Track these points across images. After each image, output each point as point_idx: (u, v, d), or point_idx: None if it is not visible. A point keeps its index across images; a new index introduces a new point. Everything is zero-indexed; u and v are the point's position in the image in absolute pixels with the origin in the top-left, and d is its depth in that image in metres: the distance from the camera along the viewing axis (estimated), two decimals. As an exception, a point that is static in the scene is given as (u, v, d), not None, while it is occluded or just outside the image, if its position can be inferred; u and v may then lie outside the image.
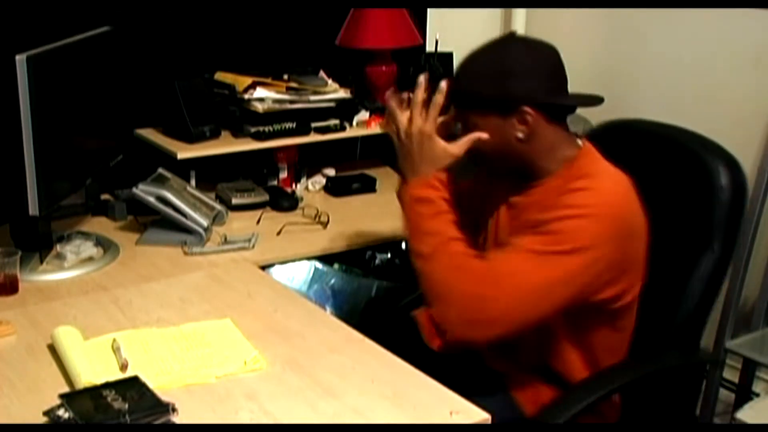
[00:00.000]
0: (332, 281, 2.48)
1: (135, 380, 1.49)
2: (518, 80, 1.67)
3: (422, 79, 1.77)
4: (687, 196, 1.90)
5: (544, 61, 1.71)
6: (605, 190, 1.66)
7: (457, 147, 1.74)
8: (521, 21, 3.22)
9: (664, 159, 1.96)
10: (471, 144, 1.73)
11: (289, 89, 2.63)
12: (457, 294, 1.61)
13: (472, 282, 1.60)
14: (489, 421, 1.51)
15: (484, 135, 1.71)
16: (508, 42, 1.79)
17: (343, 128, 2.71)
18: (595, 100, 1.77)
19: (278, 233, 2.38)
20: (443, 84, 1.75)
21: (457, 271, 1.62)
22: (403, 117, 1.77)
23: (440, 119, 1.76)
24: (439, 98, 1.74)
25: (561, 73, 1.73)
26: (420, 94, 1.76)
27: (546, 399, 1.75)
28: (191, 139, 2.52)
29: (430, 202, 1.70)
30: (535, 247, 1.60)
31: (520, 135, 1.69)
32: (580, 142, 1.77)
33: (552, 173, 1.73)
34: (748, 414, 2.13)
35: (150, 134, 2.61)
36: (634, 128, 2.11)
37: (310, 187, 2.79)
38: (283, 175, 2.73)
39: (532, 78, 1.68)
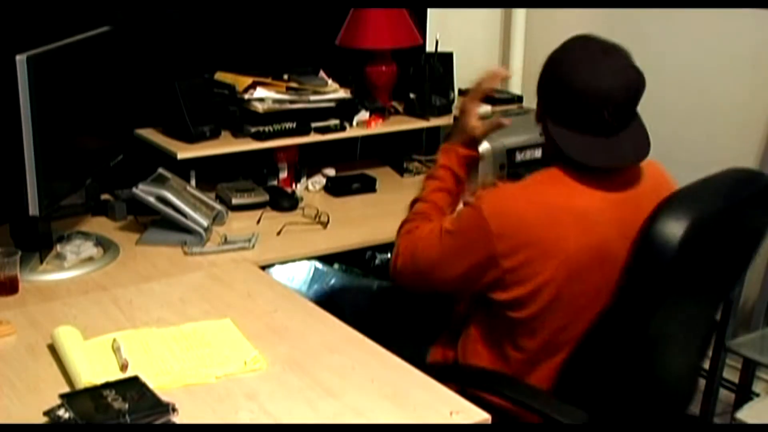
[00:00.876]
0: (332, 281, 2.48)
1: (135, 380, 1.49)
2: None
3: (493, 69, 2.03)
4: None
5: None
6: (507, 193, 1.77)
7: (480, 127, 1.94)
8: (521, 21, 3.22)
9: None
10: (492, 128, 1.94)
11: (289, 89, 2.62)
12: (397, 243, 1.91)
13: (403, 237, 1.90)
14: (489, 421, 1.51)
15: (506, 121, 1.93)
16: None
17: (343, 128, 2.71)
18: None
19: (278, 233, 2.38)
20: (493, 69, 2.03)
21: (408, 223, 1.93)
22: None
23: None
24: (482, 81, 1.97)
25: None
26: (485, 83, 1.98)
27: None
28: (191, 139, 2.52)
29: (439, 168, 1.98)
30: (444, 224, 1.81)
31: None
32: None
33: None
34: (748, 414, 2.14)
35: (150, 134, 2.61)
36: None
37: (310, 187, 2.79)
38: (283, 175, 2.73)
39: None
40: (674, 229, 1.57)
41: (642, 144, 1.74)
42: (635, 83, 1.70)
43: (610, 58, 1.70)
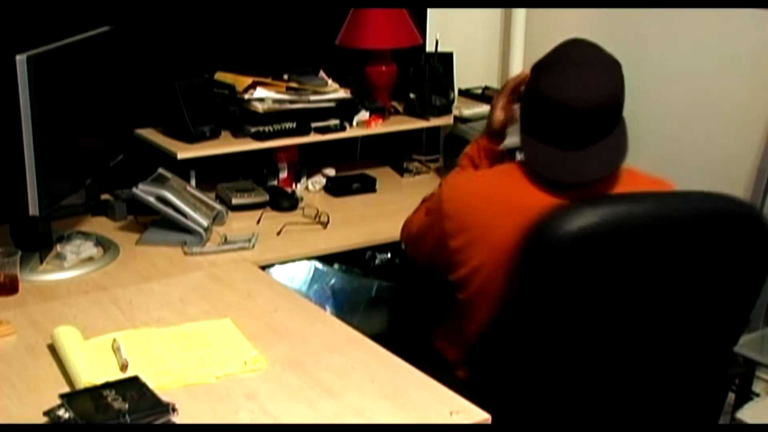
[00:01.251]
0: (332, 281, 2.47)
1: (135, 380, 1.49)
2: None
3: (522, 72, 1.95)
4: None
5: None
6: (464, 178, 1.93)
7: (499, 120, 2.01)
8: (521, 21, 3.22)
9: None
10: (506, 119, 2.00)
11: (289, 89, 2.62)
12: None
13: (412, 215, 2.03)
14: (489, 421, 1.51)
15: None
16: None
17: (343, 128, 2.71)
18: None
19: (278, 233, 2.38)
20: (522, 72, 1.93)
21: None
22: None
23: None
24: (511, 81, 2.00)
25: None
26: (513, 80, 2.00)
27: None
28: (191, 139, 2.52)
29: (464, 157, 2.06)
30: (427, 203, 1.94)
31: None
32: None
33: None
34: (748, 414, 2.13)
35: (150, 134, 2.61)
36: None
37: (310, 187, 2.79)
38: (283, 175, 2.73)
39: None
40: (565, 224, 1.55)
41: (610, 160, 1.72)
42: (603, 100, 1.68)
43: (583, 72, 1.68)
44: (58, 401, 1.41)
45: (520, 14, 3.22)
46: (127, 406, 1.40)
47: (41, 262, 2.12)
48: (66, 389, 1.53)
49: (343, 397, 1.55)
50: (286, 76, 2.66)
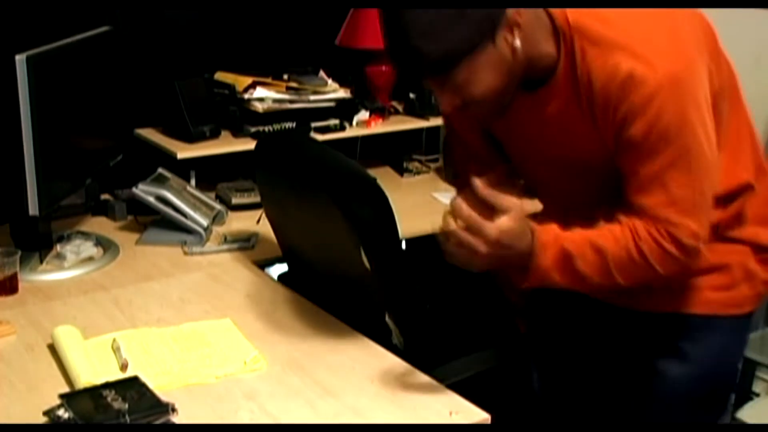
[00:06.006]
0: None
1: (135, 380, 1.49)
2: None
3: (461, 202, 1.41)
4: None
5: None
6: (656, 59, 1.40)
7: (510, 219, 1.40)
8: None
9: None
10: (520, 212, 1.42)
11: (289, 89, 2.63)
12: (659, 269, 1.45)
13: (661, 259, 1.44)
14: (489, 421, 1.51)
15: (533, 206, 1.44)
16: None
17: (343, 128, 2.71)
18: None
19: (278, 233, 2.38)
20: (476, 183, 1.41)
21: (634, 261, 1.44)
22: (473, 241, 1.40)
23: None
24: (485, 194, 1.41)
25: None
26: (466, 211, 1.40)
27: None
28: (191, 139, 2.52)
29: (555, 267, 1.45)
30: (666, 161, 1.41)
31: (517, 43, 1.39)
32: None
33: (556, 56, 1.45)
34: (748, 414, 2.14)
35: (150, 134, 2.61)
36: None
37: (310, 187, 2.79)
38: (283, 175, 2.73)
39: None
40: None
41: None
42: None
43: None
44: (58, 401, 1.41)
45: None
46: (126, 406, 1.40)
47: (41, 262, 2.12)
48: (66, 389, 1.53)
49: (343, 397, 1.55)
50: (286, 76, 2.67)
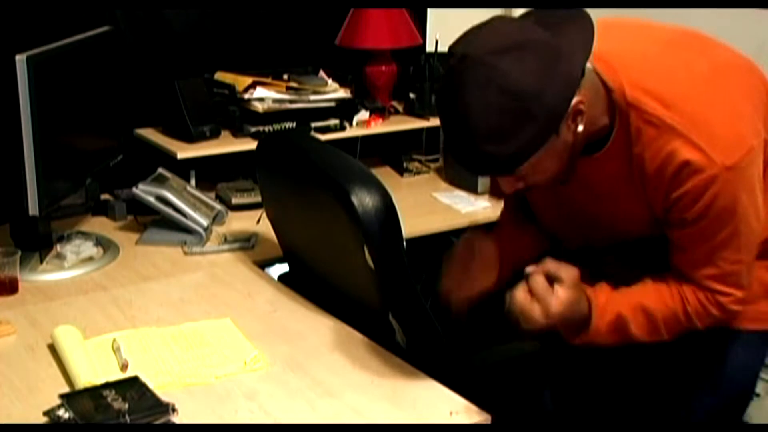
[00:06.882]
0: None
1: (135, 380, 1.49)
2: (542, 89, 1.32)
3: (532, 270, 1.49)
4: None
5: (528, 41, 1.37)
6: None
7: (566, 288, 1.46)
8: (521, 21, 3.22)
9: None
10: (574, 279, 1.48)
11: (289, 89, 2.62)
12: (699, 325, 1.53)
13: (701, 314, 1.52)
14: (489, 421, 1.51)
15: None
16: (477, 62, 1.37)
17: (343, 128, 2.71)
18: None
19: (278, 233, 2.38)
20: (529, 270, 1.48)
21: (680, 321, 1.53)
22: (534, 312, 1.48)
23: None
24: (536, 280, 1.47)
25: (554, 24, 1.42)
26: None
27: None
28: (191, 138, 2.52)
29: (609, 330, 1.53)
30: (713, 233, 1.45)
31: (580, 128, 1.40)
32: (588, 64, 1.41)
33: (610, 127, 1.46)
34: (748, 414, 2.13)
35: (150, 134, 2.61)
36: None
37: (310, 187, 2.79)
38: (283, 175, 2.73)
39: (548, 69, 1.33)
40: None
41: None
42: None
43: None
44: (58, 401, 1.41)
45: (520, 14, 3.21)
46: (126, 406, 1.40)
47: (41, 262, 2.12)
48: (66, 389, 1.53)
49: (343, 397, 1.55)
50: (286, 76, 2.67)
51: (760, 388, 2.73)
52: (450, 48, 1.45)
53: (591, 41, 1.40)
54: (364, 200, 1.63)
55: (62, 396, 1.43)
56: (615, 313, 1.52)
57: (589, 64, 1.40)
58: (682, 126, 1.40)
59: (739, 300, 1.52)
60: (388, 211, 1.65)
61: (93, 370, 1.57)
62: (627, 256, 1.63)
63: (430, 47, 2.97)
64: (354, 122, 2.76)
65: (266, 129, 2.59)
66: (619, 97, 1.43)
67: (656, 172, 1.43)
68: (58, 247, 2.17)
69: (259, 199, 2.56)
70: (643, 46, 1.53)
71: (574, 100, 1.36)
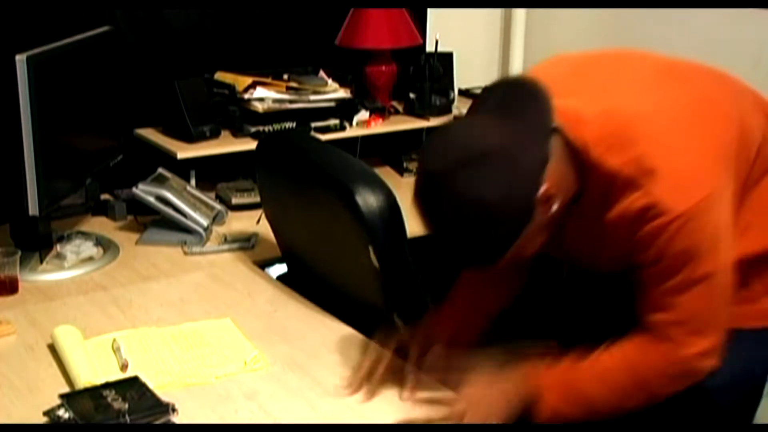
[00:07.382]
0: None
1: (135, 380, 1.49)
2: (505, 194, 1.34)
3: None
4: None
5: (485, 150, 1.35)
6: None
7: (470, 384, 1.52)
8: (521, 21, 3.22)
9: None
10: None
11: (289, 89, 2.63)
12: (667, 388, 1.51)
13: (670, 375, 1.50)
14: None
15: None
16: (438, 181, 1.37)
17: (343, 128, 2.71)
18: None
19: (278, 233, 2.38)
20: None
21: (645, 382, 1.51)
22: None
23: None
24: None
25: (519, 112, 1.41)
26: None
27: None
28: (191, 138, 2.52)
29: (564, 403, 1.50)
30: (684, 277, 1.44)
31: (554, 207, 1.41)
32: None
33: (580, 184, 1.48)
34: (757, 415, 2.13)
35: (150, 134, 2.61)
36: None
37: (310, 187, 2.79)
38: (283, 175, 2.73)
39: (509, 175, 1.35)
40: None
41: None
42: None
43: None
44: (58, 401, 1.41)
45: (520, 14, 3.22)
46: (126, 406, 1.40)
47: (41, 262, 2.12)
48: (66, 389, 1.53)
49: (343, 397, 1.55)
50: (286, 76, 2.67)
51: None
52: (417, 160, 1.50)
53: (550, 120, 1.41)
54: (368, 200, 1.63)
55: (62, 396, 1.43)
56: (569, 385, 1.49)
57: (556, 124, 1.41)
58: (639, 176, 1.40)
59: (706, 352, 1.46)
60: (392, 210, 1.65)
61: (93, 370, 1.57)
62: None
63: (430, 47, 2.97)
64: (354, 122, 2.76)
65: (266, 129, 2.59)
66: (584, 156, 1.43)
67: (619, 219, 1.44)
68: (58, 247, 2.17)
69: (259, 199, 2.56)
70: (611, 86, 1.52)
71: (542, 190, 1.37)
